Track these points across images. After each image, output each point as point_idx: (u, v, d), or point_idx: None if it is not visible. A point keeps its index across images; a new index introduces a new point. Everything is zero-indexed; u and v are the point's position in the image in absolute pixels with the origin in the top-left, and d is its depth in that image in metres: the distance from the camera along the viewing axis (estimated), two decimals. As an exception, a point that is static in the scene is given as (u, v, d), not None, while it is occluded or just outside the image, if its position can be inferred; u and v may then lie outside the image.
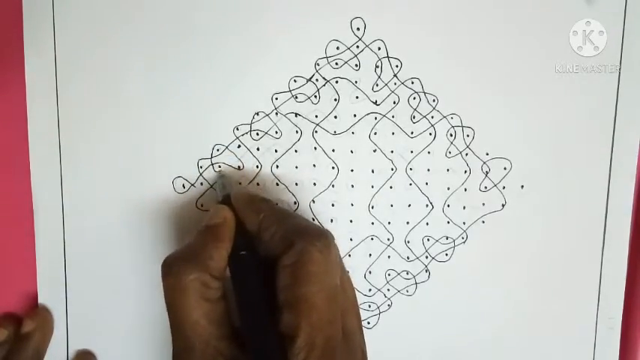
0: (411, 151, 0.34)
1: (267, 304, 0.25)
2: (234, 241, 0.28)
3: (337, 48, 0.32)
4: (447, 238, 0.35)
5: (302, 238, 0.25)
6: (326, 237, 0.26)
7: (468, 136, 0.34)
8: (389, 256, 0.35)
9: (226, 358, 0.24)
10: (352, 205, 0.34)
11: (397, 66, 0.33)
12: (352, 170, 0.34)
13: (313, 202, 0.34)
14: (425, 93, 0.33)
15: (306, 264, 0.24)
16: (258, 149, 0.33)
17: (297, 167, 0.33)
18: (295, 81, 0.32)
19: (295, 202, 0.34)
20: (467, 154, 0.34)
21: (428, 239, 0.35)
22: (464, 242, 0.35)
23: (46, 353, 0.34)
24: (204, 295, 0.25)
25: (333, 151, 0.33)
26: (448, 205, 0.34)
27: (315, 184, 0.34)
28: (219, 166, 0.33)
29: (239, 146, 0.33)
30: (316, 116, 0.33)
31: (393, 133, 0.33)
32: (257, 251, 0.27)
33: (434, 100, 0.33)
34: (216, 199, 0.32)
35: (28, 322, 0.33)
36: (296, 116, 0.33)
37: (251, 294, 0.26)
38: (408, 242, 0.35)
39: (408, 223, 0.34)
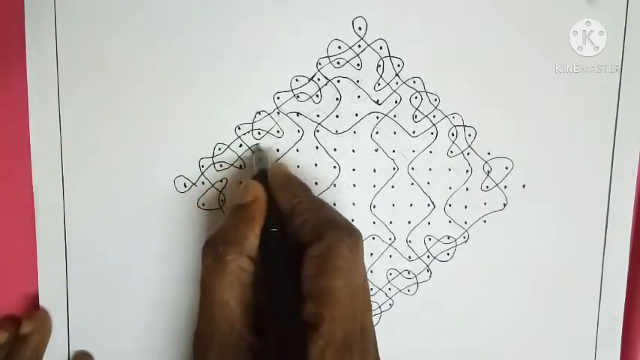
0: (413, 151, 0.34)
1: (292, 285, 0.25)
2: (266, 217, 0.28)
3: (339, 47, 0.32)
4: (448, 238, 0.35)
5: (333, 231, 0.25)
6: (356, 235, 0.26)
7: (469, 135, 0.34)
8: (390, 256, 0.35)
9: (247, 343, 0.25)
10: (354, 204, 0.34)
11: (399, 65, 0.33)
12: (354, 170, 0.34)
13: (315, 201, 0.34)
14: (426, 92, 0.33)
15: (334, 258, 0.24)
16: (259, 149, 0.33)
17: (298, 166, 0.33)
18: (297, 80, 0.33)
19: (297, 202, 0.34)
20: (468, 154, 0.34)
21: (429, 239, 0.35)
22: (465, 242, 0.35)
23: (44, 355, 0.33)
24: (239, 279, 0.25)
25: (335, 150, 0.33)
26: (450, 205, 0.34)
27: (316, 183, 0.34)
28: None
29: (241, 145, 0.33)
30: (318, 115, 0.33)
31: (394, 133, 0.33)
32: (286, 230, 0.27)
33: (435, 100, 0.33)
34: (252, 172, 0.32)
35: (27, 323, 0.33)
36: (298, 115, 0.33)
37: (278, 271, 0.26)
38: (410, 242, 0.35)
39: (409, 222, 0.34)
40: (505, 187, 0.34)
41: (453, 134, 0.34)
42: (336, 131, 0.33)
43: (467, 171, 0.34)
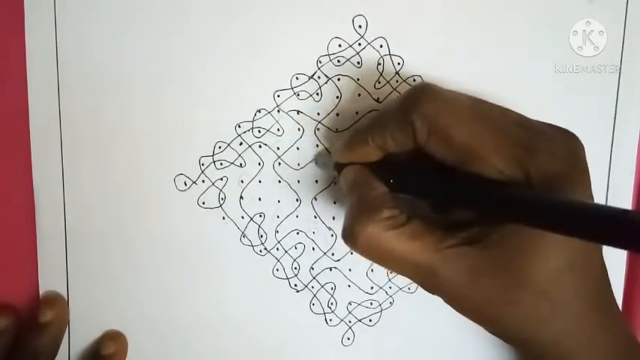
0: (413, 149, 0.34)
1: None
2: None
3: (339, 45, 0.32)
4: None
5: None
6: None
7: (469, 134, 0.34)
8: (390, 254, 0.35)
9: None
10: (354, 202, 0.34)
11: (399, 63, 0.33)
12: (354, 168, 0.34)
13: (315, 199, 0.34)
14: (427, 91, 0.33)
15: None
16: (260, 146, 0.33)
17: (299, 164, 0.33)
18: (297, 78, 0.33)
19: (297, 200, 0.34)
20: (468, 152, 0.34)
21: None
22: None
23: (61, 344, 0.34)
24: (394, 227, 0.25)
25: (335, 148, 0.33)
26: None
27: (317, 181, 0.34)
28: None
29: (241, 143, 0.33)
30: (318, 114, 0.33)
31: (394, 131, 0.33)
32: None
33: (435, 98, 0.33)
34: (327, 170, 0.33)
35: (47, 312, 0.32)
36: (298, 114, 0.33)
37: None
38: (410, 240, 0.34)
39: (409, 221, 0.34)
40: (505, 185, 0.34)
41: (453, 133, 0.34)
42: (337, 129, 0.33)
43: (467, 170, 0.34)
